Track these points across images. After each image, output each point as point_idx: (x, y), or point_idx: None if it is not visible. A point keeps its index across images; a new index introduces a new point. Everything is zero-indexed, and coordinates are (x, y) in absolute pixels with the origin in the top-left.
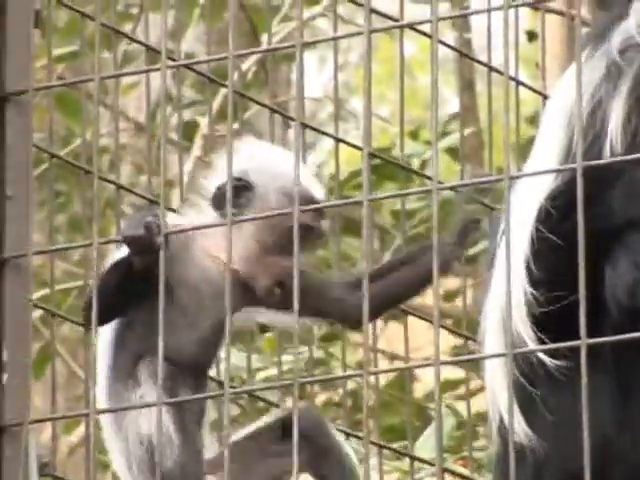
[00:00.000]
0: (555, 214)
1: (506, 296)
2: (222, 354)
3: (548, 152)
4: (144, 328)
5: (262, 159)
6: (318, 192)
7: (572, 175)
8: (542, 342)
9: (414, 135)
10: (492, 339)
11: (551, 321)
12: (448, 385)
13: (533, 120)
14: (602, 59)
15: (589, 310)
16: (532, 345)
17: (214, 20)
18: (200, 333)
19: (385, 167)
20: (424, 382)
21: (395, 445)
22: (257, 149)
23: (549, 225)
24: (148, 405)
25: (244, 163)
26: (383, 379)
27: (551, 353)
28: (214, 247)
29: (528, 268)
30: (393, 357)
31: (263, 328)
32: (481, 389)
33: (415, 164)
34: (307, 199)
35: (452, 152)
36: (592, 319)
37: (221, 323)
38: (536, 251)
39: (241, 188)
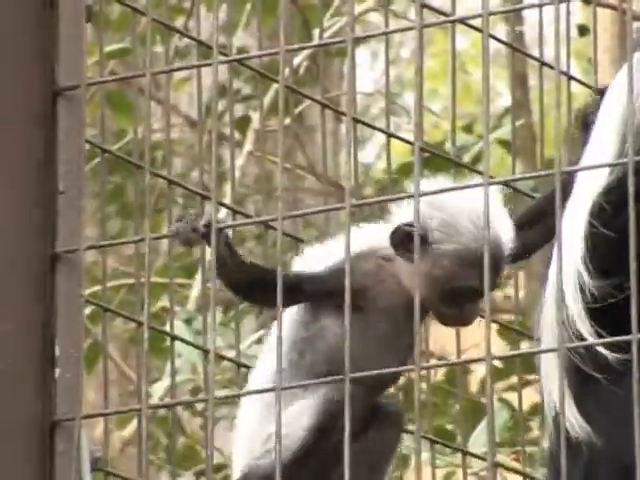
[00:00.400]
0: (609, 209)
1: (556, 291)
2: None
3: (602, 147)
4: (334, 338)
5: (447, 215)
6: (506, 241)
7: (625, 170)
8: (600, 337)
9: (468, 129)
10: (547, 333)
11: (608, 315)
12: (502, 373)
13: None
14: None
15: None
16: (591, 339)
17: (266, 15)
18: (400, 355)
19: (437, 162)
20: (476, 375)
21: (449, 441)
22: (444, 199)
23: (603, 220)
24: (199, 400)
25: (427, 211)
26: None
27: (608, 347)
28: (404, 275)
29: (584, 263)
30: (442, 358)
31: None
32: (534, 380)
33: (467, 158)
34: (491, 256)
35: (505, 144)
36: None
37: (413, 343)
38: (591, 246)
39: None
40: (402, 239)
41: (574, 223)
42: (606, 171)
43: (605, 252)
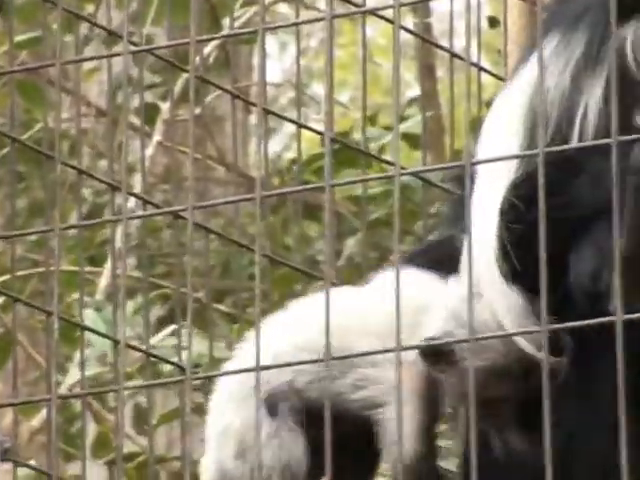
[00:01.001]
0: (520, 204)
1: (467, 282)
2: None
3: (509, 140)
4: None
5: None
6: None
7: (535, 164)
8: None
9: (372, 120)
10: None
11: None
12: None
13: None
14: (579, 43)
15: (559, 301)
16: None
17: (175, 7)
18: None
19: (343, 152)
20: None
21: None
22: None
23: (514, 216)
24: (109, 390)
25: (453, 327)
26: None
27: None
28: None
29: (498, 262)
30: None
31: (232, 318)
32: None
33: (373, 149)
34: None
35: (410, 139)
36: (561, 309)
37: None
38: (503, 243)
39: (444, 351)
40: (432, 354)
41: (485, 222)
42: (514, 166)
43: (519, 248)
